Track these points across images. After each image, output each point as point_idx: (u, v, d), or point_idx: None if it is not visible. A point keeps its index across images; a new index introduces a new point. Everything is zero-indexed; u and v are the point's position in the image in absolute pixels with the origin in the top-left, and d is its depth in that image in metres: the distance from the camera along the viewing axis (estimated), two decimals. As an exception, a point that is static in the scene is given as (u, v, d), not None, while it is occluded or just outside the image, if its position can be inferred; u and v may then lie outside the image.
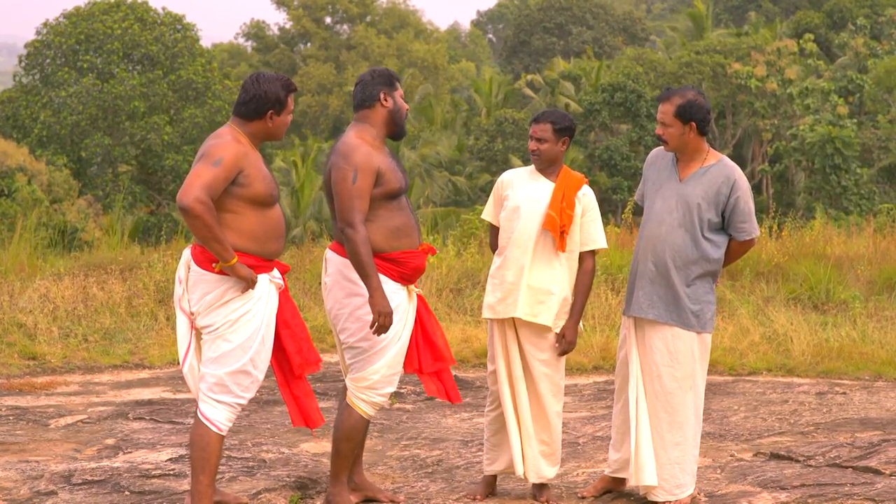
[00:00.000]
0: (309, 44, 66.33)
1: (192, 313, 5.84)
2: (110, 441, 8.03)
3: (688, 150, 6.58)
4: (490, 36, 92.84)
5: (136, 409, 9.28)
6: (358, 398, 6.26)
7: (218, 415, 5.81)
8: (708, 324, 6.61)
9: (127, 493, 6.59)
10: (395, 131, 6.33)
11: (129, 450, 7.73)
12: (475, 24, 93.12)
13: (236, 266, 5.68)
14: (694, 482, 6.69)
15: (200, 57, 43.64)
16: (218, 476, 6.71)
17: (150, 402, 9.60)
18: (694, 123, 6.51)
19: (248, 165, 5.74)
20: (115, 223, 16.78)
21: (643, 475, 6.58)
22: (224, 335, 5.78)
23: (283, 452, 7.72)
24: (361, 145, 6.12)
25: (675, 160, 6.66)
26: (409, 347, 6.38)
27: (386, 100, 6.26)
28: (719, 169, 6.56)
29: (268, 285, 5.88)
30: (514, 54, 64.28)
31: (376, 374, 6.22)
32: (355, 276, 6.10)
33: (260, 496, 6.57)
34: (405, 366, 6.43)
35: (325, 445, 8.05)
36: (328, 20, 66.46)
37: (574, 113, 46.84)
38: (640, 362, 6.63)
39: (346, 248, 6.04)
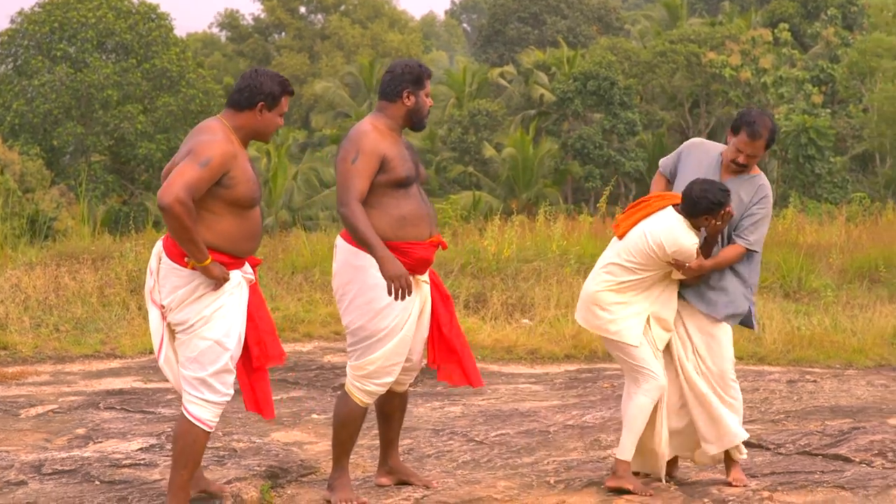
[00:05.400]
0: (283, 34, 66.18)
1: (163, 306, 5.80)
2: (81, 431, 8.00)
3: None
4: (465, 25, 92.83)
5: (107, 398, 9.26)
6: (354, 386, 6.26)
7: (206, 413, 5.79)
8: (721, 310, 6.65)
9: (97, 482, 6.57)
10: (413, 125, 6.38)
11: (99, 439, 7.70)
12: (450, 13, 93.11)
13: (209, 266, 5.64)
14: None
15: (174, 46, 43.48)
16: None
17: (121, 392, 9.58)
18: None
19: (235, 167, 5.69)
20: (83, 212, 16.65)
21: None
22: (199, 332, 5.73)
23: (254, 442, 7.70)
24: (371, 132, 6.16)
25: (720, 161, 6.71)
26: (428, 338, 6.43)
27: (408, 98, 6.28)
28: (755, 180, 6.65)
29: (239, 279, 5.86)
30: (489, 44, 64.14)
31: (373, 365, 6.19)
32: (358, 262, 6.11)
33: (231, 485, 6.55)
34: (428, 359, 6.47)
35: (296, 435, 8.05)
36: (302, 10, 66.30)
37: (547, 102, 46.82)
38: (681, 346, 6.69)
39: (345, 227, 6.06)
